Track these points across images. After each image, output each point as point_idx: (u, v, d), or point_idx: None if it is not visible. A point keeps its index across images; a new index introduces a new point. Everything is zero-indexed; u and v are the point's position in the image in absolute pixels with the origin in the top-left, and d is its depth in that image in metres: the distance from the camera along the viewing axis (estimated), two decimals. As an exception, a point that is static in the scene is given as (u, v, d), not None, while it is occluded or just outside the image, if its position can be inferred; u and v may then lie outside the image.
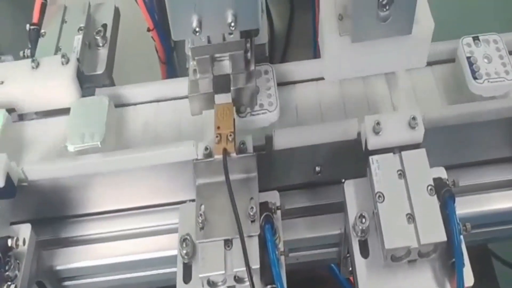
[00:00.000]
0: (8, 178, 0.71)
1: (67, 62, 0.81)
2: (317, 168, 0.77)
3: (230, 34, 0.69)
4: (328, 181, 0.78)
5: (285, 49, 1.26)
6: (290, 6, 1.27)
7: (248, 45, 0.73)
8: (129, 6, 0.98)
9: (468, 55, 0.77)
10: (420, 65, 0.71)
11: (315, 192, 0.79)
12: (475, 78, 0.76)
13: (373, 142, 0.69)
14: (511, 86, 0.76)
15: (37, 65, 0.81)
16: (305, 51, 1.23)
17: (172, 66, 1.07)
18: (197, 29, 0.65)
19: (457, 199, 0.78)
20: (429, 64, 0.80)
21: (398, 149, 0.69)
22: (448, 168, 0.79)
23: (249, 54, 0.74)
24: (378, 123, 0.69)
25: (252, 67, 0.74)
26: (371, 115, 0.70)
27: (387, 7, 0.62)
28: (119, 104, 0.83)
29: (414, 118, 0.69)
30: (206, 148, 0.70)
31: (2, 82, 0.80)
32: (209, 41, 0.71)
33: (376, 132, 0.69)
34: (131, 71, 1.06)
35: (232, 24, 0.65)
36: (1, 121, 0.77)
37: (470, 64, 0.77)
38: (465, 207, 0.78)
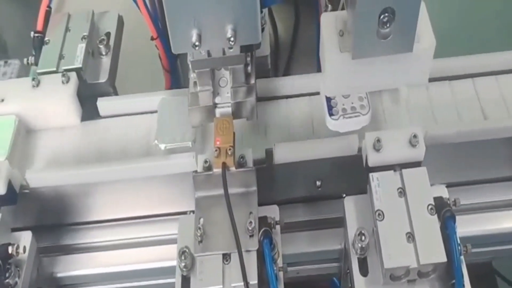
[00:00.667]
0: (10, 185, 0.71)
1: (67, 81, 0.81)
2: (318, 183, 0.77)
3: (230, 48, 0.69)
4: (329, 195, 0.78)
5: (289, 58, 1.26)
6: (295, 15, 1.27)
7: (249, 59, 0.73)
8: (133, 14, 0.98)
9: None
10: (422, 82, 0.70)
11: (316, 206, 0.79)
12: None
13: (373, 159, 0.69)
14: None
15: (38, 84, 0.81)
16: (310, 61, 1.23)
17: (176, 74, 1.07)
18: (197, 43, 0.65)
19: (460, 217, 0.78)
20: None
21: (399, 167, 0.69)
22: (450, 186, 0.79)
23: (249, 68, 0.74)
24: (378, 140, 0.69)
25: (253, 81, 0.74)
26: (372, 132, 0.70)
27: (388, 25, 0.62)
28: (122, 113, 0.83)
29: (415, 136, 0.69)
30: (205, 161, 0.70)
31: (3, 100, 0.80)
32: (209, 55, 0.71)
33: (377, 149, 0.69)
34: (134, 80, 1.06)
35: (232, 38, 0.65)
36: (13, 128, 0.77)
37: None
38: (468, 225, 0.78)
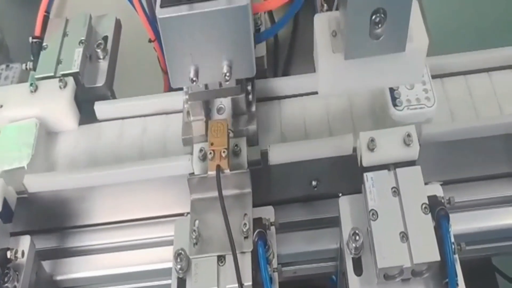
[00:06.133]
0: (5, 203, 0.72)
1: (65, 86, 0.82)
2: (314, 183, 0.77)
3: (226, 81, 0.70)
4: (325, 195, 0.78)
5: (289, 58, 1.26)
6: (294, 14, 1.27)
7: (249, 87, 0.75)
8: (131, 17, 0.99)
9: None
10: (415, 82, 0.71)
11: (312, 206, 0.79)
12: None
13: (367, 159, 0.69)
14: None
15: (36, 89, 0.82)
16: (309, 60, 1.23)
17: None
18: (194, 79, 0.67)
19: (458, 214, 0.78)
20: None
21: (393, 166, 0.69)
22: (448, 183, 0.79)
23: (250, 96, 0.75)
24: (372, 140, 0.69)
25: (253, 109, 0.75)
26: (366, 132, 0.70)
27: (380, 25, 0.62)
28: (119, 117, 0.84)
29: (409, 135, 0.69)
30: (201, 150, 0.72)
31: (1, 106, 0.81)
32: (206, 87, 0.72)
33: (371, 148, 0.69)
34: (134, 82, 1.07)
35: (227, 74, 0.67)
36: (35, 131, 0.78)
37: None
38: (466, 222, 0.78)
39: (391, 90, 0.76)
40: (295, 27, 1.26)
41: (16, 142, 0.78)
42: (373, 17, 0.62)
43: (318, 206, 0.78)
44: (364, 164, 0.69)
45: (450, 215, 0.76)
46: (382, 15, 0.62)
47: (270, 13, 1.15)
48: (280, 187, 0.78)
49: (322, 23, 0.68)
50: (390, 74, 0.69)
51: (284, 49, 1.26)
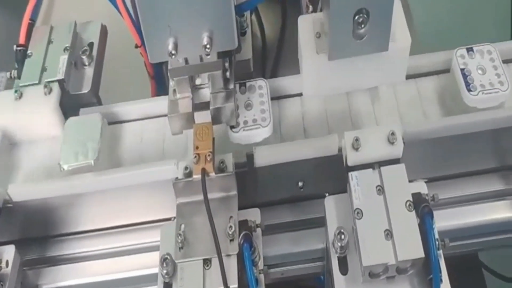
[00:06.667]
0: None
1: (49, 92, 0.82)
2: (300, 183, 0.78)
3: (207, 55, 0.69)
4: (311, 195, 0.78)
5: (277, 59, 1.26)
6: (282, 16, 1.28)
7: (227, 64, 0.74)
8: (118, 23, 0.99)
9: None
10: (399, 80, 0.71)
11: (299, 206, 0.79)
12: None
13: (352, 158, 0.69)
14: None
15: (20, 96, 0.82)
16: (297, 61, 1.23)
17: (161, 81, 1.08)
18: (173, 52, 0.65)
19: (443, 211, 0.79)
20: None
21: (378, 165, 0.70)
22: (433, 180, 0.80)
23: (228, 73, 0.74)
24: (357, 139, 0.69)
25: (231, 86, 0.74)
26: (351, 131, 0.70)
27: (363, 26, 0.63)
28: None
29: (393, 134, 0.69)
30: (186, 168, 0.71)
31: None
32: (186, 62, 0.71)
33: (356, 148, 0.69)
34: (121, 88, 1.07)
35: (208, 46, 0.65)
36: (100, 125, 0.78)
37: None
38: (452, 218, 0.78)
39: (464, 75, 0.76)
40: (282, 30, 1.27)
41: (81, 137, 0.77)
42: (356, 17, 0.62)
43: (305, 207, 0.79)
44: (349, 163, 0.70)
45: (437, 212, 0.77)
46: (365, 16, 0.62)
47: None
48: (267, 189, 0.78)
49: (306, 24, 0.69)
50: (374, 74, 0.69)
51: (272, 52, 1.26)
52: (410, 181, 0.69)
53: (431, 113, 0.77)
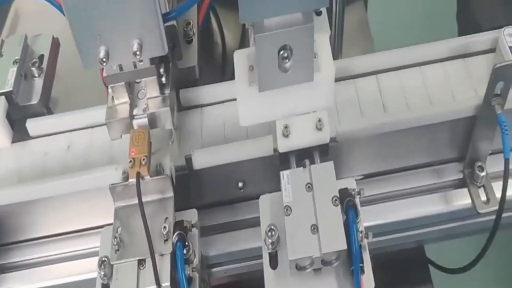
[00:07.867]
0: None
1: None
2: (240, 184, 0.80)
3: (140, 61, 0.72)
4: (252, 195, 0.81)
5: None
6: (243, 24, 1.30)
7: (162, 70, 0.76)
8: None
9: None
10: (327, 106, 0.74)
11: (239, 207, 0.81)
12: None
13: (282, 145, 0.72)
14: None
15: None
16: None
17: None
18: (104, 59, 0.67)
19: (383, 204, 0.82)
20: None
21: (308, 162, 0.72)
22: (372, 176, 0.82)
23: (163, 79, 0.77)
24: (286, 126, 0.72)
25: (167, 91, 0.77)
26: (281, 119, 0.73)
27: (288, 60, 0.66)
28: (52, 132, 0.86)
29: (320, 120, 0.72)
30: (124, 172, 0.73)
31: None
32: (121, 69, 0.73)
33: (285, 135, 0.72)
34: (77, 98, 1.09)
35: (138, 52, 0.67)
36: None
37: None
38: (392, 212, 0.81)
39: None
40: (243, 37, 1.29)
41: None
42: (281, 52, 0.66)
43: (245, 207, 0.81)
44: (280, 150, 0.73)
45: (379, 206, 0.80)
46: (289, 51, 0.66)
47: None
48: (207, 191, 0.80)
49: (241, 58, 0.72)
50: (302, 102, 0.73)
51: (232, 57, 1.29)
52: (345, 178, 0.72)
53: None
